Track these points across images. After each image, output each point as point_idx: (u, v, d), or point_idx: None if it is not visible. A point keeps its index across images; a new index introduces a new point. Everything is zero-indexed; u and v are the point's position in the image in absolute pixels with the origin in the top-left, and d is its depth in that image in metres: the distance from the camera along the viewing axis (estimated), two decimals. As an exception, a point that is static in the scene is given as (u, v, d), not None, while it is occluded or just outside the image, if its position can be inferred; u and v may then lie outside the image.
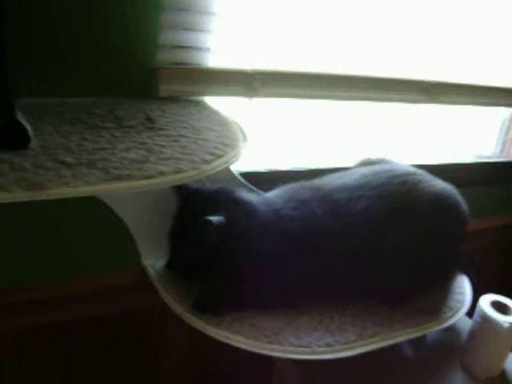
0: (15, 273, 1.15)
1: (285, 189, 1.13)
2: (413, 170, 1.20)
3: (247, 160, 1.31)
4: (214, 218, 0.94)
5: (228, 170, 1.18)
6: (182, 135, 0.95)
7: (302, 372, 1.18)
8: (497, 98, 1.70)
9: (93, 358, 1.32)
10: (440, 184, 1.18)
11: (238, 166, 1.25)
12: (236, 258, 0.97)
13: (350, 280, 1.08)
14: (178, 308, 1.04)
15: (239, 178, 1.22)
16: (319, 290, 1.08)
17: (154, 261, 1.16)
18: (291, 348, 0.99)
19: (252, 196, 1.07)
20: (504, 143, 1.94)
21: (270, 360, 1.29)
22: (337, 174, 1.18)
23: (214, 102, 1.23)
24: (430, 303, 1.19)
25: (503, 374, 1.25)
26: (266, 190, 1.21)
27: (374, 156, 1.29)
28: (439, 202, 1.14)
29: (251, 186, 1.24)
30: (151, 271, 1.15)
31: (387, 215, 1.09)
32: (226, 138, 0.99)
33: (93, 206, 1.09)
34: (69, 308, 1.23)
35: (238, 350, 0.98)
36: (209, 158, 0.88)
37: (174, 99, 1.16)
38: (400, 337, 1.08)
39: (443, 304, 1.20)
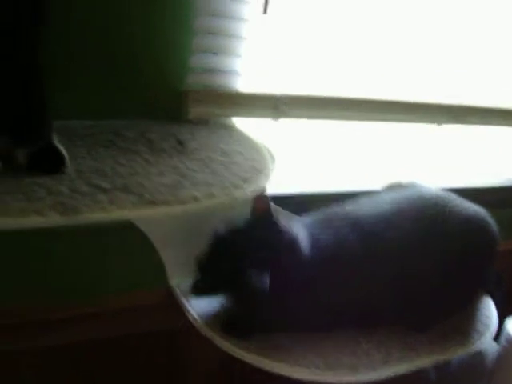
0: (39, 292, 1.16)
1: (319, 215, 1.13)
2: (443, 193, 1.20)
3: (275, 183, 1.32)
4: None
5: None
6: (212, 159, 0.96)
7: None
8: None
9: (118, 377, 1.33)
10: (471, 207, 1.18)
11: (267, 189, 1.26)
12: (272, 283, 0.97)
13: (380, 306, 1.08)
14: (206, 329, 1.04)
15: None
16: (348, 315, 1.08)
17: (180, 281, 1.17)
18: (317, 371, 0.99)
19: (299, 226, 1.08)
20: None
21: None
22: (368, 200, 1.18)
23: (241, 122, 1.24)
24: (456, 327, 1.18)
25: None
26: (295, 213, 1.23)
27: (403, 180, 1.29)
28: (470, 224, 1.14)
29: (280, 208, 1.24)
30: (178, 291, 1.16)
31: (419, 242, 1.09)
32: (256, 161, 1.00)
33: (119, 225, 1.10)
34: (94, 327, 1.23)
35: (266, 372, 0.98)
36: (240, 182, 0.89)
37: (203, 122, 1.17)
38: (426, 361, 1.08)
39: (469, 327, 1.19)
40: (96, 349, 1.26)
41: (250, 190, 0.88)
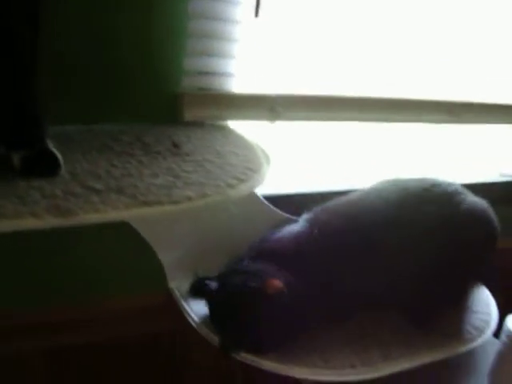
0: (37, 294, 1.17)
1: (316, 213, 1.14)
2: (444, 182, 1.20)
3: (271, 182, 1.32)
4: None
5: (253, 193, 1.19)
6: (207, 160, 0.97)
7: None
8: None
9: (117, 380, 1.34)
10: (472, 198, 1.18)
11: (263, 189, 1.26)
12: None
13: (379, 300, 1.08)
14: (205, 331, 1.04)
15: (264, 201, 1.23)
16: (347, 312, 1.08)
17: (180, 283, 1.17)
18: (317, 370, 1.00)
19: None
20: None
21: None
22: (365, 193, 1.19)
23: (237, 125, 1.25)
24: (455, 323, 1.19)
25: (533, 395, 1.24)
26: (290, 212, 1.23)
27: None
28: (470, 215, 1.15)
29: (275, 209, 1.25)
30: (177, 294, 1.16)
31: (415, 232, 1.09)
32: (250, 162, 1.00)
33: (118, 228, 1.10)
34: (93, 330, 1.24)
35: (264, 373, 0.98)
36: (234, 182, 0.89)
37: (198, 124, 1.18)
38: (425, 358, 1.07)
39: (468, 324, 1.19)
40: (95, 351, 1.26)
41: (243, 190, 0.88)
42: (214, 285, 1.05)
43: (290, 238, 1.12)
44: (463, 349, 1.13)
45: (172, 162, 0.94)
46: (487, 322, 1.20)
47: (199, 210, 0.85)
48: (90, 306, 1.22)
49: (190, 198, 0.81)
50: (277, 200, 1.29)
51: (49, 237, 1.09)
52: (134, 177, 0.86)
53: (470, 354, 1.32)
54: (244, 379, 1.47)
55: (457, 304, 1.23)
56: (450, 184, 1.20)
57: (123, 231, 1.10)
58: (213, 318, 1.05)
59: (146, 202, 0.79)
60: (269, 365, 0.99)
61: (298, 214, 1.20)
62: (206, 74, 1.17)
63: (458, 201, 1.16)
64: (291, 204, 1.30)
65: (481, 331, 1.17)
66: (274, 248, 1.10)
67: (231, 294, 1.00)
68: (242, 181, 0.90)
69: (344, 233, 1.10)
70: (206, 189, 0.85)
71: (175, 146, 1.01)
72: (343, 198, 1.18)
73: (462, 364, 1.30)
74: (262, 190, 1.25)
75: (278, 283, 0.96)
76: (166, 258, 1.16)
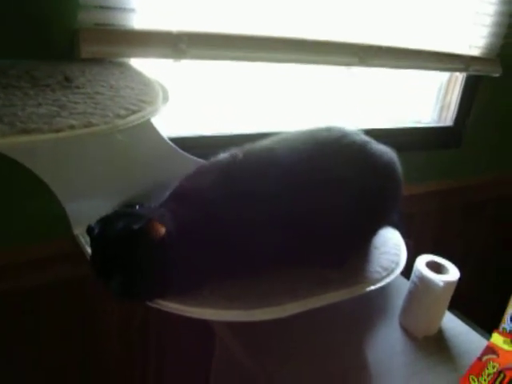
0: None
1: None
2: (349, 130, 1.18)
3: (177, 124, 1.30)
4: None
5: (155, 132, 1.15)
6: (98, 93, 0.92)
7: (241, 337, 1.20)
8: (433, 62, 1.71)
9: (28, 328, 1.32)
10: (378, 145, 1.17)
11: (169, 131, 1.23)
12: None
13: (288, 248, 1.06)
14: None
15: (168, 141, 1.19)
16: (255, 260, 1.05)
17: (84, 229, 1.13)
18: (223, 312, 0.99)
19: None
20: (441, 108, 1.96)
21: (211, 330, 1.32)
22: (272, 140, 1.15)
23: (140, 64, 1.20)
24: (365, 264, 1.19)
25: (440, 333, 1.28)
26: (195, 154, 1.21)
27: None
28: (375, 160, 1.14)
29: (181, 151, 1.22)
30: (82, 240, 1.12)
31: (323, 180, 1.07)
32: (145, 95, 0.96)
33: (21, 175, 1.06)
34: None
35: (177, 319, 0.97)
36: (123, 112, 0.85)
37: (96, 61, 1.12)
38: (334, 298, 1.07)
39: (377, 265, 1.20)
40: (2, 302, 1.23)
41: (132, 120, 0.85)
42: (96, 229, 0.97)
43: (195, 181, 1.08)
44: (372, 287, 1.13)
45: (61, 95, 0.89)
46: (396, 263, 1.22)
47: (88, 141, 0.80)
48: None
49: (72, 127, 0.78)
50: (182, 142, 1.26)
51: None
52: (16, 107, 0.82)
53: (382, 295, 1.35)
54: (156, 325, 1.48)
55: (366, 247, 1.24)
56: (358, 134, 1.18)
57: (26, 177, 1.05)
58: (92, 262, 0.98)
59: (24, 129, 0.75)
60: (172, 306, 0.96)
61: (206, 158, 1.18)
62: (105, 8, 1.12)
63: (369, 151, 1.15)
64: (195, 146, 1.27)
65: (390, 271, 1.18)
66: (182, 189, 1.06)
67: (108, 239, 0.94)
68: (132, 111, 0.87)
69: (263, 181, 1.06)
70: (91, 118, 0.81)
71: (67, 79, 0.96)
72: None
73: (375, 304, 1.33)
74: (168, 132, 1.22)
75: (158, 228, 0.91)
76: (69, 202, 1.11)
